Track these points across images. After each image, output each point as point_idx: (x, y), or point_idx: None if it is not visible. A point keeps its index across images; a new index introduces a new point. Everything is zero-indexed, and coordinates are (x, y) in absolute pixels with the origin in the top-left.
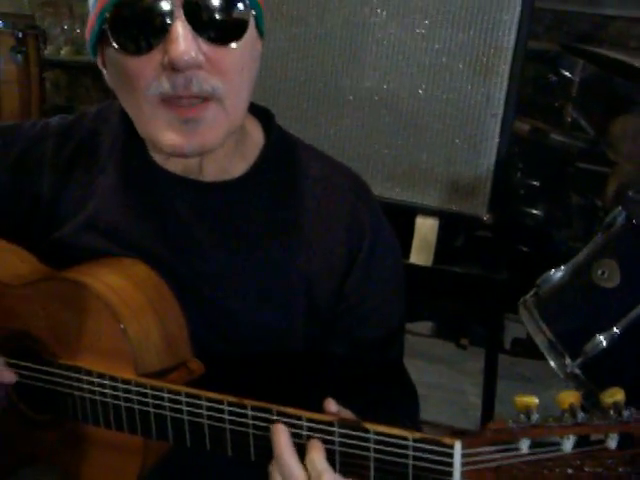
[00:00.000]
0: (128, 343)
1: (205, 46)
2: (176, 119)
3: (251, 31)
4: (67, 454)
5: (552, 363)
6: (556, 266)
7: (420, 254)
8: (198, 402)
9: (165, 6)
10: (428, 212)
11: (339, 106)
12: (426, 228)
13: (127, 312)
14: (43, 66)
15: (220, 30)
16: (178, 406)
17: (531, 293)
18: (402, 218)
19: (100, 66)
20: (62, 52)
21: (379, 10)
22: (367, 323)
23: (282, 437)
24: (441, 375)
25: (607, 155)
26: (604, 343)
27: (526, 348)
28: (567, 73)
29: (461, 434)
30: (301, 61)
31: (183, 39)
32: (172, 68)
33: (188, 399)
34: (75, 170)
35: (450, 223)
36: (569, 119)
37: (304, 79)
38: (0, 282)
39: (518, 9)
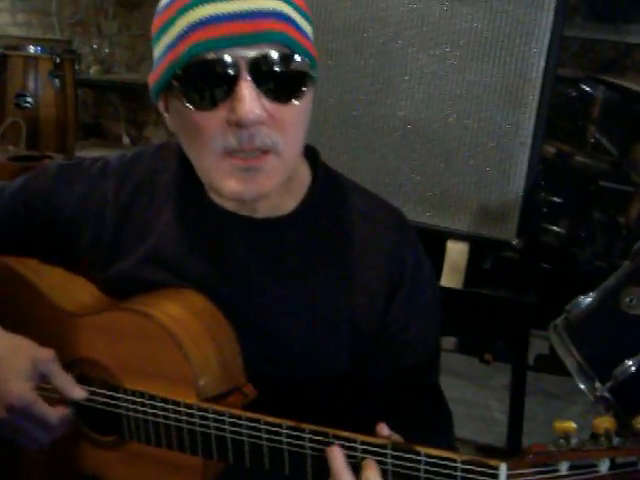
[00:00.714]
0: (190, 370)
1: (267, 103)
2: (237, 168)
3: (308, 86)
4: (129, 473)
5: (582, 386)
6: (581, 284)
7: (451, 277)
8: (258, 425)
9: (232, 67)
10: (458, 237)
11: (373, 134)
12: (456, 252)
13: (189, 340)
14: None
15: (282, 89)
16: (238, 429)
17: (561, 318)
18: (433, 242)
19: (162, 110)
20: (91, 71)
21: (412, 42)
22: (407, 350)
23: (338, 458)
24: (465, 390)
25: (630, 177)
26: (633, 368)
27: (549, 364)
28: (588, 89)
29: (487, 451)
30: (336, 91)
31: (249, 99)
32: (237, 125)
33: (248, 423)
34: (135, 207)
35: (479, 247)
36: (592, 140)
37: (339, 108)
38: (65, 311)
39: (547, 41)
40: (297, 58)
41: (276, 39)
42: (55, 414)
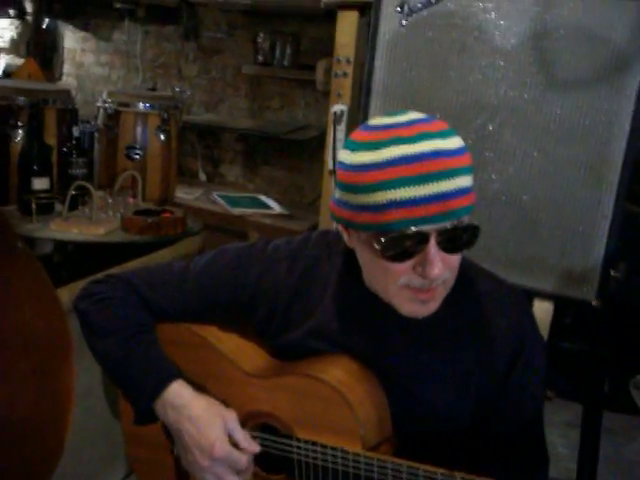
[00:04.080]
0: (357, 425)
1: (446, 255)
2: (415, 299)
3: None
4: None
5: None
6: None
7: None
8: (416, 472)
9: (424, 236)
10: (544, 296)
11: None
12: (542, 310)
13: (355, 400)
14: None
15: (459, 246)
16: (398, 474)
17: None
18: None
19: (341, 230)
20: None
21: (506, 124)
22: (522, 406)
23: None
24: None
25: None
26: None
27: (608, 401)
28: None
29: None
30: None
31: (436, 261)
32: (423, 277)
33: (409, 469)
34: (303, 287)
35: (562, 304)
36: None
37: None
38: (244, 371)
39: (628, 126)
40: (473, 222)
41: (462, 214)
42: (245, 461)
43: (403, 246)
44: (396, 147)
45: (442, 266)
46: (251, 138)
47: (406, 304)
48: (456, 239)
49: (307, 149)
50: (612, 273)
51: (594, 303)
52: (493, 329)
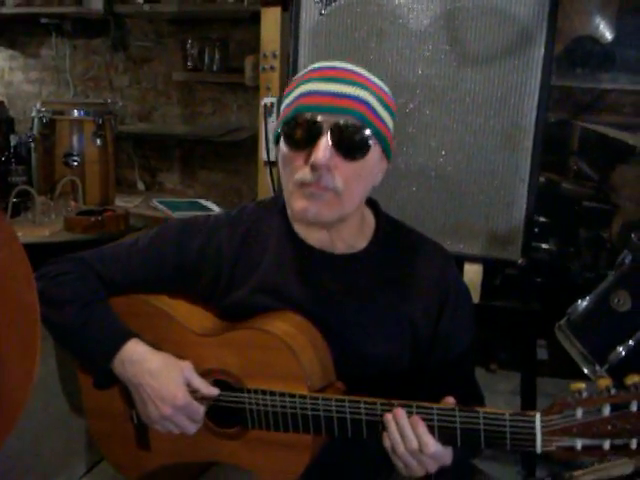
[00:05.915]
0: (301, 371)
1: (337, 158)
2: (305, 193)
3: (373, 154)
4: (250, 456)
5: (585, 370)
6: (574, 294)
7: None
8: (358, 405)
9: (319, 125)
10: (473, 259)
11: (398, 179)
12: (472, 272)
13: (298, 348)
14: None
15: (348, 149)
16: (342, 409)
17: (564, 318)
18: None
19: (277, 148)
20: None
21: (426, 101)
22: (453, 349)
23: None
24: None
25: (610, 198)
26: (623, 352)
27: (548, 368)
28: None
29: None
30: None
31: (323, 148)
32: (312, 166)
33: (350, 404)
34: (245, 249)
35: (490, 266)
36: (575, 167)
37: None
38: (195, 332)
39: (537, 96)
40: (366, 132)
41: (351, 113)
42: (202, 409)
43: (301, 131)
44: (320, 67)
45: (329, 158)
46: (187, 144)
47: (297, 201)
48: (348, 139)
49: (242, 150)
50: (543, 246)
51: (520, 261)
52: (422, 279)
